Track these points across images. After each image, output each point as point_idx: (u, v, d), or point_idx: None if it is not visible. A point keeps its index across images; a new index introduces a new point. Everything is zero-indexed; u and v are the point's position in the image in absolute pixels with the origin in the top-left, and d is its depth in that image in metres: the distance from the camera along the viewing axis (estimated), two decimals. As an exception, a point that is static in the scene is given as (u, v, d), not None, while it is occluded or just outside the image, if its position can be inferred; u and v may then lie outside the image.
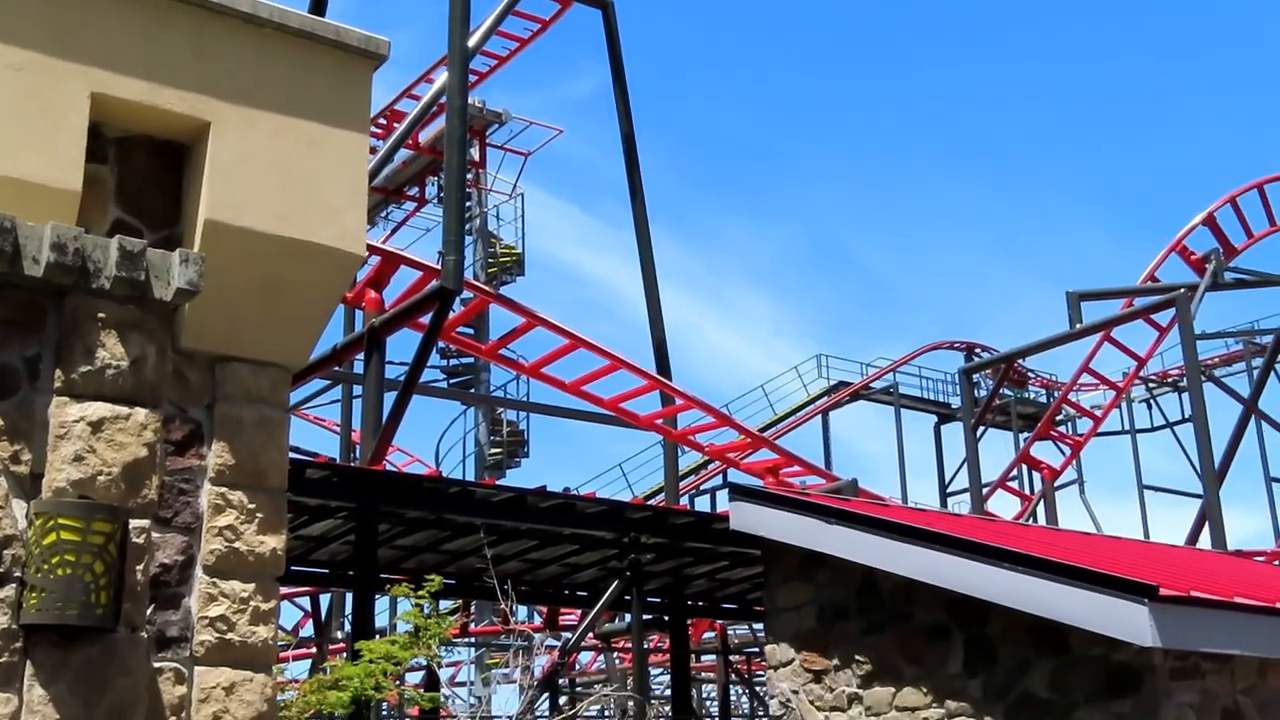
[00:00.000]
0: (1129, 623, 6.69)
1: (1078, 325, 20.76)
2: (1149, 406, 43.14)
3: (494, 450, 30.94)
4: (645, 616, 19.60)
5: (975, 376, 40.70)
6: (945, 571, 7.70)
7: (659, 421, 21.20)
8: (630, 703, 15.66)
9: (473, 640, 28.46)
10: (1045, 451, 33.84)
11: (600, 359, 20.03)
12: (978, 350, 41.39)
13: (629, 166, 23.18)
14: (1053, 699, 7.40)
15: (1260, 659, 7.47)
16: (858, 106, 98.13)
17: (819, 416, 39.44)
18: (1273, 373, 32.40)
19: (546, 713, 23.31)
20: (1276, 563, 20.73)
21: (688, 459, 30.09)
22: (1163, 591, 6.67)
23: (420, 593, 9.91)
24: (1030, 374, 43.57)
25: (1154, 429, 43.30)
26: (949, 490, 40.53)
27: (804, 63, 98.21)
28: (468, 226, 31.65)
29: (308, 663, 22.44)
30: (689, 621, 21.85)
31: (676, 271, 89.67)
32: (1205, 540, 19.28)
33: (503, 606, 10.76)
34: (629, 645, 23.33)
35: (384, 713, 23.67)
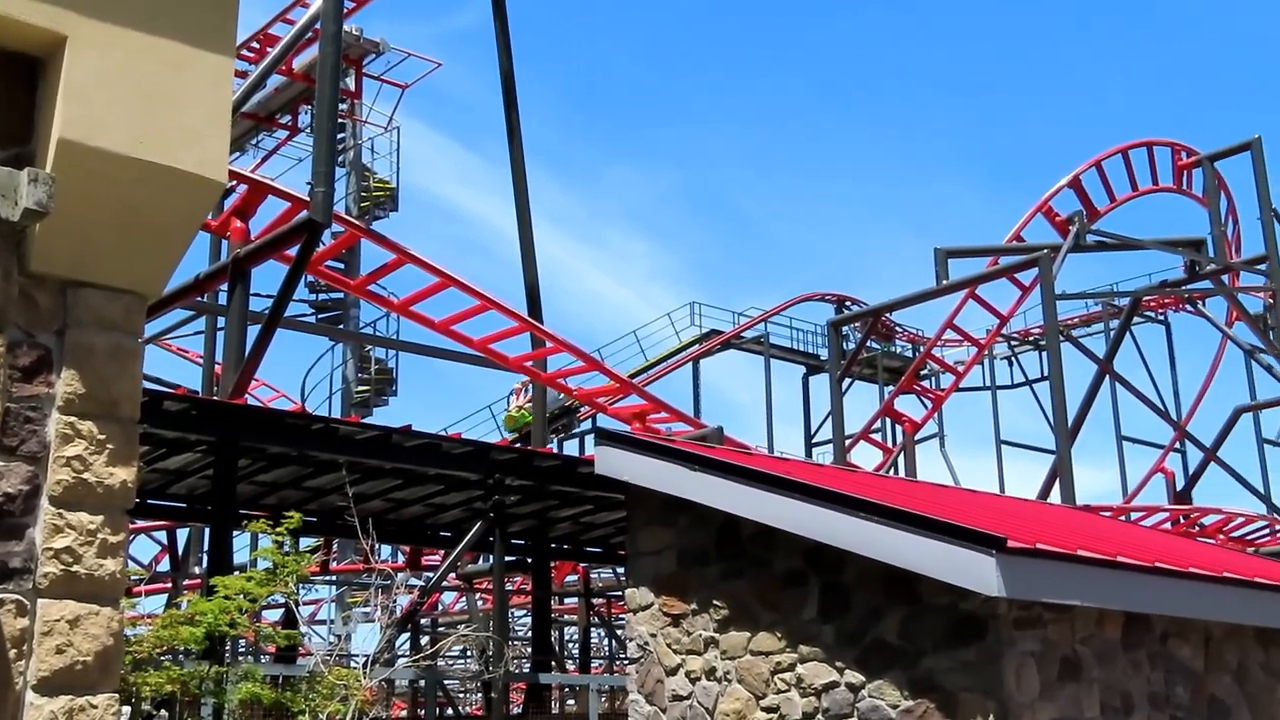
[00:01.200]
0: (977, 573, 6.89)
1: (944, 282, 21.18)
2: (1010, 364, 44.29)
3: (361, 388, 30.58)
4: (508, 558, 19.65)
5: (844, 329, 41.43)
6: (803, 519, 7.85)
7: (528, 364, 21.17)
8: (490, 643, 15.72)
9: (333, 579, 28.25)
10: (908, 405, 34.60)
11: (471, 299, 19.89)
12: (848, 303, 42.01)
13: (507, 105, 22.94)
14: (903, 645, 7.61)
15: (1099, 610, 7.76)
16: (743, 52, 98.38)
17: (690, 364, 39.74)
18: (1128, 334, 33.58)
19: (406, 652, 23.30)
20: (1123, 518, 21.52)
21: (563, 403, 30.05)
22: (1010, 543, 6.88)
23: (279, 529, 9.81)
24: (897, 328, 44.40)
25: (1014, 386, 44.46)
26: (814, 441, 41.24)
27: (691, 6, 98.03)
28: (340, 158, 31.04)
29: (163, 598, 22.07)
30: (552, 564, 21.96)
31: (557, 212, 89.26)
32: (1057, 495, 19.93)
33: (364, 545, 10.69)
34: (491, 586, 23.39)
35: (240, 650, 23.42)
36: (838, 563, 7.99)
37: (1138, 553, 8.39)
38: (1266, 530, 24.80)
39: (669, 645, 9.16)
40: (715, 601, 8.86)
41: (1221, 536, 23.78)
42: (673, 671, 9.09)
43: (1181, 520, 24.96)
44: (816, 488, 7.85)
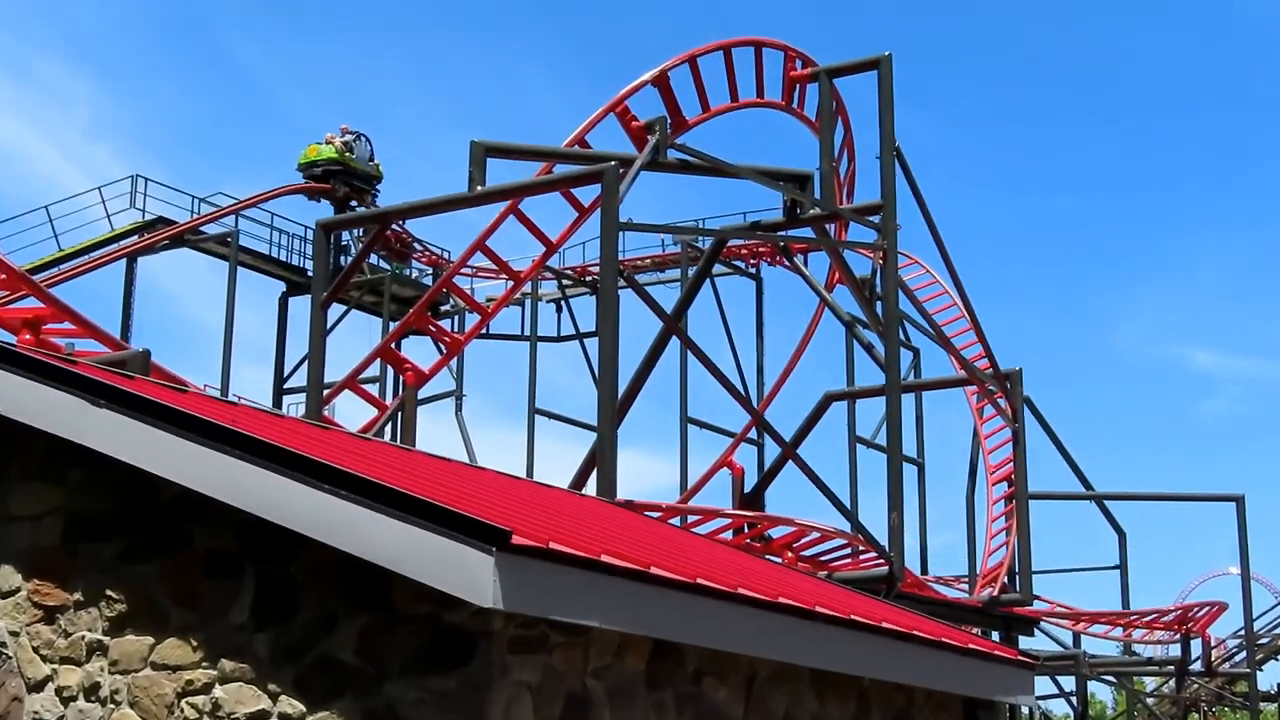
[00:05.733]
0: (468, 575, 6.99)
1: (479, 188, 21.34)
2: (559, 309, 45.53)
3: None
4: None
5: (342, 237, 41.36)
6: (241, 485, 7.72)
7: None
8: None
9: None
10: (417, 349, 34.93)
11: None
12: (354, 203, 41.87)
13: None
14: (360, 666, 7.64)
15: (622, 635, 8.08)
16: None
17: (124, 261, 38.44)
18: (707, 287, 35.22)
19: None
20: (675, 521, 22.57)
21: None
22: (515, 539, 7.02)
23: None
24: (416, 245, 44.69)
25: (560, 339, 45.77)
26: (288, 385, 40.95)
27: None
28: None
29: None
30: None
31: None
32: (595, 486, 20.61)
33: None
34: None
35: None
36: (288, 548, 7.92)
37: (678, 565, 8.79)
38: (846, 551, 26.64)
39: (37, 650, 8.83)
40: (111, 592, 8.60)
41: (790, 554, 25.38)
42: (38, 686, 8.76)
43: (745, 529, 26.47)
44: (262, 443, 7.74)
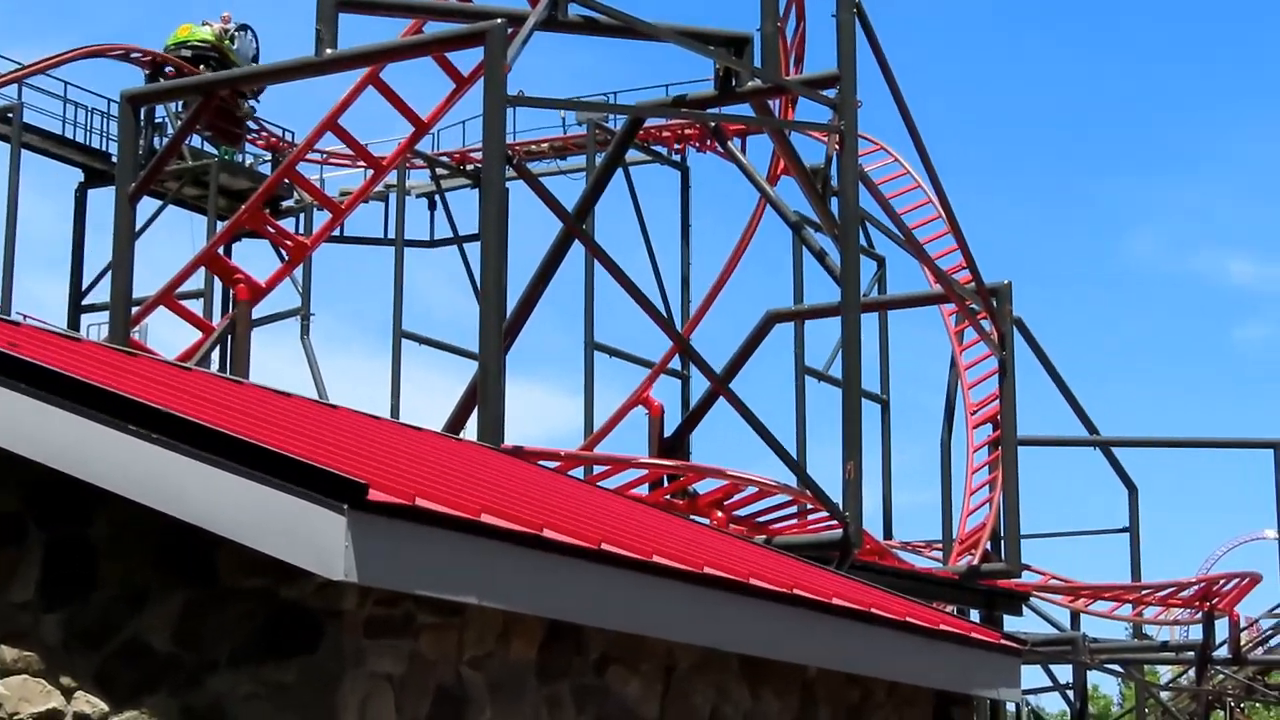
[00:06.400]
0: (313, 540, 6.96)
1: (328, 52, 21.10)
2: (431, 207, 45.32)
3: None
4: None
5: (156, 112, 40.90)
6: (23, 427, 7.58)
7: None
8: None
9: None
10: (252, 256, 34.67)
11: None
12: (169, 69, 41.42)
13: None
14: (177, 654, 7.61)
15: (507, 615, 8.11)
16: None
17: None
18: (618, 178, 35.00)
19: None
20: (576, 473, 22.59)
21: None
22: (373, 495, 7.01)
23: None
24: (252, 124, 44.30)
25: (433, 243, 45.64)
26: (88, 299, 40.63)
27: None
28: None
29: None
30: None
31: None
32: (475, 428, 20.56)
33: None
34: None
35: None
36: (81, 507, 7.89)
37: (580, 528, 8.81)
38: (791, 510, 26.77)
39: None
40: None
41: (720, 514, 25.46)
42: None
43: (665, 483, 26.50)
44: (51, 373, 7.68)
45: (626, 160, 34.60)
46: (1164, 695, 48.66)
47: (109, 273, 28.28)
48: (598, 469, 24.88)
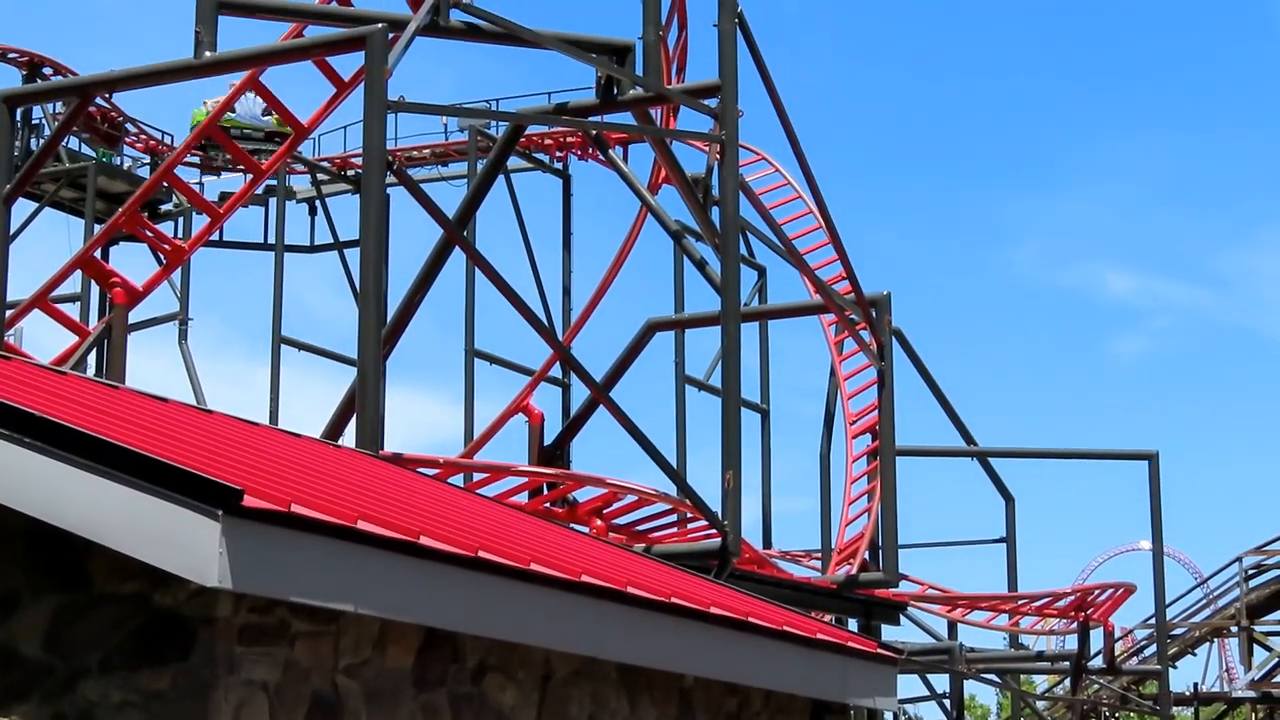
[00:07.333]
0: (187, 545, 6.94)
1: (207, 55, 20.99)
2: (312, 211, 45.19)
3: None
4: None
5: (33, 113, 40.53)
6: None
7: None
8: None
9: None
10: (129, 259, 34.41)
11: None
12: (48, 69, 41.11)
13: None
14: (48, 661, 7.57)
15: (384, 622, 8.10)
16: None
17: None
18: (500, 185, 35.00)
19: None
20: (456, 480, 22.58)
21: None
22: (249, 500, 6.99)
23: None
24: (130, 126, 44.05)
25: (313, 248, 45.51)
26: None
27: None
28: None
29: None
30: None
31: None
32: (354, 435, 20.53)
33: None
34: None
35: None
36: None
37: (457, 536, 8.83)
38: (670, 519, 26.83)
39: None
40: None
41: (599, 522, 25.50)
42: None
43: (545, 491, 26.55)
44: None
45: (508, 167, 34.57)
46: (1040, 704, 49.02)
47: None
48: (477, 476, 24.84)
